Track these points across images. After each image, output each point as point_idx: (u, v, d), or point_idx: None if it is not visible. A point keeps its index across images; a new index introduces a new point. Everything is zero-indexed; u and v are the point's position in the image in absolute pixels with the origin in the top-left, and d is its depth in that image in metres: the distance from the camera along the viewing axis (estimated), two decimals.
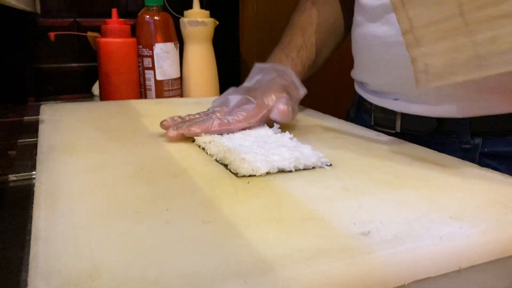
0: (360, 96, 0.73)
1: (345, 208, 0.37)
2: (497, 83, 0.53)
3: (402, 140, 0.58)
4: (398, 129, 0.63)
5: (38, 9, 1.09)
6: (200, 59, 1.00)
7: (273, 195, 0.40)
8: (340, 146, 0.54)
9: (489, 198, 0.39)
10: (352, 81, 0.76)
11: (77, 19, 1.14)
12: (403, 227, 0.33)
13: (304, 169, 0.46)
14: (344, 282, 0.28)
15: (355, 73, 0.73)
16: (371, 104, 0.68)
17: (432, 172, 0.46)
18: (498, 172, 0.46)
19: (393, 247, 0.31)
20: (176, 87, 0.98)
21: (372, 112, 0.68)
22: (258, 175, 0.43)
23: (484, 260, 0.33)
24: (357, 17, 0.67)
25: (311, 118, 0.72)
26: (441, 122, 0.58)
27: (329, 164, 0.47)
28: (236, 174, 0.43)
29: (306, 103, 0.84)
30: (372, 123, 0.68)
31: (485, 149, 0.55)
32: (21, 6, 0.87)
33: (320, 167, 0.46)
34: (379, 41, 0.62)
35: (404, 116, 0.62)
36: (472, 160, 0.56)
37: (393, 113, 0.63)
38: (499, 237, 0.33)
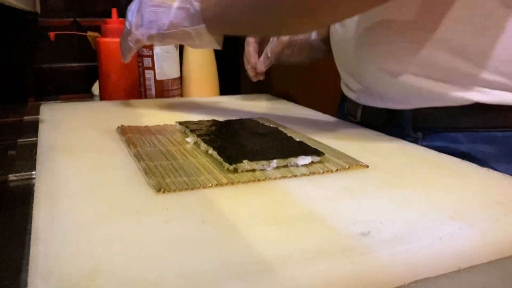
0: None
1: (345, 208, 0.37)
2: (429, 76, 0.56)
3: (401, 140, 0.58)
4: (359, 118, 0.69)
5: (38, 9, 1.09)
6: (200, 59, 1.00)
7: (273, 195, 0.40)
8: (340, 146, 0.54)
9: (489, 198, 0.39)
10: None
11: (77, 19, 1.14)
12: (403, 227, 0.33)
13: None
14: (344, 282, 0.28)
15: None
16: (345, 96, 0.74)
17: (432, 172, 0.46)
18: (498, 172, 0.46)
19: (393, 247, 0.31)
20: (176, 87, 0.98)
21: (345, 103, 0.74)
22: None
23: (484, 260, 0.33)
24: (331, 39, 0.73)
25: (318, 120, 0.72)
26: (390, 114, 0.62)
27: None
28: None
29: (311, 103, 0.84)
30: (345, 112, 0.73)
31: (424, 143, 0.58)
32: (21, 6, 0.87)
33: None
34: (337, 38, 0.68)
35: (364, 107, 0.67)
36: None
37: (356, 104, 0.68)
38: (499, 237, 0.33)
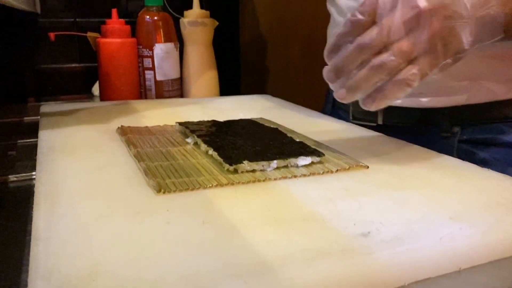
0: None
1: (345, 208, 0.37)
2: (476, 74, 0.55)
3: (401, 141, 0.58)
4: (380, 121, 0.64)
5: (38, 9, 1.09)
6: (200, 60, 1.00)
7: (273, 195, 0.40)
8: (340, 146, 0.54)
9: (489, 199, 0.39)
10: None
11: (77, 19, 1.14)
12: (403, 227, 0.33)
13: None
14: (344, 283, 0.28)
15: None
16: None
17: (432, 173, 0.46)
18: (498, 172, 0.46)
19: (393, 247, 0.31)
20: (176, 88, 0.98)
21: (350, 107, 0.68)
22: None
23: (484, 260, 0.33)
24: (333, 15, 0.70)
25: (318, 121, 0.72)
26: (424, 113, 0.60)
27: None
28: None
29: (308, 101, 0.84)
30: (351, 118, 0.68)
31: (464, 137, 0.58)
32: (21, 6, 0.87)
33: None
34: None
35: (387, 108, 0.58)
36: (450, 146, 0.59)
37: None
38: (499, 237, 0.33)
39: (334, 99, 0.74)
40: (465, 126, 0.58)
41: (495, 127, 0.57)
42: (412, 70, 0.39)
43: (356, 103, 0.66)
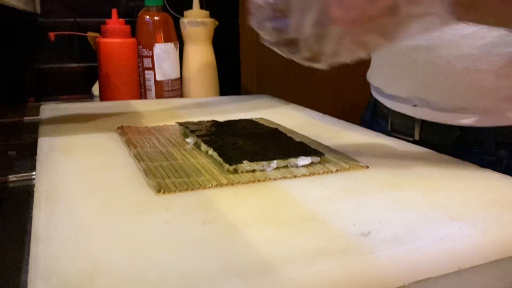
0: (376, 100, 0.69)
1: (345, 208, 0.37)
2: None
3: (401, 141, 0.58)
4: (417, 137, 0.59)
5: (38, 9, 1.09)
6: (200, 60, 1.00)
7: (273, 195, 0.40)
8: (340, 146, 0.54)
9: (489, 199, 0.39)
10: (365, 83, 0.74)
11: (77, 19, 1.14)
12: (403, 227, 0.33)
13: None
14: (343, 283, 0.28)
15: (371, 76, 0.70)
16: (388, 109, 0.64)
17: (432, 172, 0.46)
18: (498, 173, 0.46)
19: (392, 247, 0.31)
20: (176, 88, 0.98)
21: (389, 117, 0.64)
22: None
23: (484, 260, 0.33)
24: None
25: (318, 121, 0.72)
26: (463, 131, 0.55)
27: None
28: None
29: (311, 105, 0.84)
30: (389, 129, 0.64)
31: (511, 162, 0.52)
32: (21, 6, 0.87)
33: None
34: (398, 45, 0.57)
35: (424, 123, 0.58)
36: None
37: (411, 119, 0.59)
38: (499, 237, 0.33)
39: (375, 107, 0.69)
40: None
41: None
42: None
43: (394, 114, 0.61)
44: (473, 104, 0.53)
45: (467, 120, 0.54)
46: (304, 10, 0.38)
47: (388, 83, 0.64)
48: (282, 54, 0.43)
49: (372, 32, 0.38)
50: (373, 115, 0.71)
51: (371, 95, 0.72)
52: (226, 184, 0.42)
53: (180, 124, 0.60)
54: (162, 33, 0.95)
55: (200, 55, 0.99)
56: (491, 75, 0.51)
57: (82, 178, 0.43)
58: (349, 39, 0.38)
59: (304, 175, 0.44)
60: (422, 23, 0.38)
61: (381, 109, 0.68)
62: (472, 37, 0.51)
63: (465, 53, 0.51)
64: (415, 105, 0.59)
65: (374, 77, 0.68)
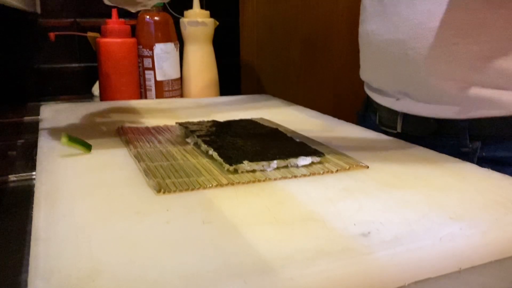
0: (368, 95, 0.71)
1: (345, 208, 0.37)
2: (496, 84, 0.52)
3: (401, 141, 0.58)
4: (399, 129, 0.62)
5: (38, 9, 1.09)
6: (200, 60, 1.00)
7: (273, 196, 0.40)
8: (340, 147, 0.54)
9: (489, 199, 0.39)
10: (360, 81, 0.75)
11: (77, 19, 1.14)
12: (403, 227, 0.33)
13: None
14: (344, 283, 0.28)
15: (361, 72, 0.71)
16: (376, 103, 0.67)
17: (432, 172, 0.46)
18: (498, 173, 0.46)
19: (393, 247, 0.31)
20: (176, 88, 0.98)
21: (378, 111, 0.67)
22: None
23: (484, 260, 0.33)
24: (361, 14, 0.67)
25: (318, 121, 0.72)
26: (440, 123, 0.57)
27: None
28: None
29: (315, 106, 0.84)
30: (377, 122, 0.67)
31: (484, 154, 0.54)
32: (21, 6, 0.87)
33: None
34: (377, 39, 0.60)
35: (406, 116, 0.61)
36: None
37: (395, 113, 0.62)
38: (499, 237, 0.33)
39: (368, 102, 0.72)
40: (487, 142, 0.54)
41: None
42: None
43: (381, 108, 0.65)
44: (446, 96, 0.55)
45: (442, 113, 0.56)
46: None
47: (373, 77, 0.66)
48: None
49: None
50: (366, 110, 0.73)
51: (364, 91, 0.74)
52: (226, 184, 0.42)
53: (180, 124, 0.60)
54: (162, 33, 0.95)
55: (200, 55, 0.99)
56: (462, 67, 0.52)
57: (82, 178, 0.43)
58: None
59: (304, 175, 0.44)
60: None
61: (372, 104, 0.70)
62: (441, 28, 0.52)
63: (435, 45, 0.53)
64: (398, 99, 0.61)
65: (363, 72, 0.70)
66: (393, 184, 0.43)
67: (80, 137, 0.51)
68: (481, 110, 0.54)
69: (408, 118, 0.60)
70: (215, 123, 0.61)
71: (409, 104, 0.59)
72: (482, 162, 0.54)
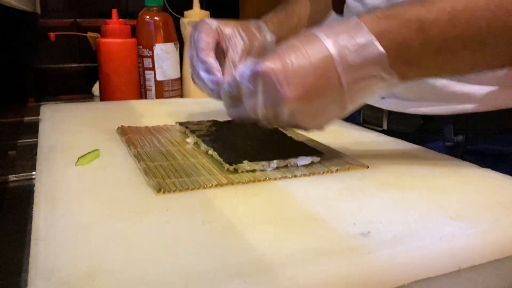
0: None
1: (345, 208, 0.37)
2: (478, 80, 0.53)
3: (401, 140, 0.58)
4: (385, 126, 0.63)
5: (38, 9, 1.09)
6: None
7: (273, 196, 0.40)
8: (340, 146, 0.54)
9: (489, 198, 0.39)
10: None
11: (77, 19, 1.14)
12: (403, 227, 0.33)
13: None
14: (344, 282, 0.28)
15: None
16: None
17: (432, 172, 0.46)
18: (498, 172, 0.46)
19: (393, 247, 0.31)
20: (176, 88, 0.98)
21: (361, 109, 0.68)
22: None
23: (484, 260, 0.33)
24: (344, 14, 0.68)
25: None
26: (425, 119, 0.58)
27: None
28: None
29: None
30: (361, 121, 0.68)
31: (468, 147, 0.56)
32: (21, 6, 0.87)
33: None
34: None
35: (391, 114, 0.62)
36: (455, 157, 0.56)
37: (380, 110, 0.63)
38: (499, 237, 0.33)
39: None
40: (470, 135, 0.56)
41: (502, 138, 0.54)
42: None
43: (365, 106, 0.66)
44: (431, 93, 0.56)
45: (427, 109, 0.57)
46: (252, 94, 0.41)
47: None
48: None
49: (321, 106, 0.42)
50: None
51: None
52: (226, 184, 0.42)
53: (180, 124, 0.60)
54: (162, 33, 0.95)
55: None
56: None
57: (82, 178, 0.43)
58: (302, 113, 0.42)
59: (304, 175, 0.44)
60: (368, 89, 0.42)
61: None
62: None
63: None
64: (383, 97, 0.62)
65: None
66: (393, 184, 0.43)
67: (80, 137, 0.51)
68: (463, 105, 0.55)
69: (393, 115, 0.61)
70: (215, 123, 0.61)
71: (395, 102, 0.60)
72: (466, 154, 0.56)
